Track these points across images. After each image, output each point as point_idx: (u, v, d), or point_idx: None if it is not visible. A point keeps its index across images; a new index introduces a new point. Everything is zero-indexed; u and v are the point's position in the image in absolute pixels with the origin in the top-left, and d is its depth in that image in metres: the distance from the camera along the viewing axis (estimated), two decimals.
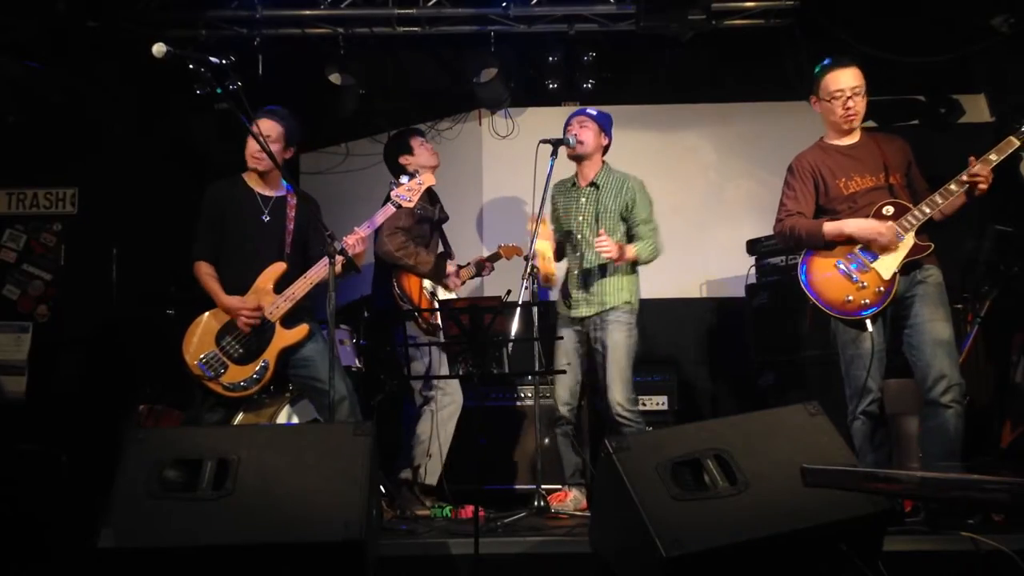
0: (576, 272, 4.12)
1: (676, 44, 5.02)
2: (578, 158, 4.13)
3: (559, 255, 4.27)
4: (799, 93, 4.92)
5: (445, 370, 4.10)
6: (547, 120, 5.47)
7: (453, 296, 4.36)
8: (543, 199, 3.92)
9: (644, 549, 2.29)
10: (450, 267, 4.33)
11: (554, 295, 4.42)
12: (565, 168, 4.14)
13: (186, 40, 4.89)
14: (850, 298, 3.29)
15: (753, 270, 5.02)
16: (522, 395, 4.76)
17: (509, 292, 3.99)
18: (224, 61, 3.09)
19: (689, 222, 5.42)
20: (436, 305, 4.13)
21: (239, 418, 3.73)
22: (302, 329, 3.54)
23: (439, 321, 4.03)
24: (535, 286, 3.90)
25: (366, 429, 2.58)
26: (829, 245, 3.37)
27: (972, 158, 3.20)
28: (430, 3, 4.95)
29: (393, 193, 3.68)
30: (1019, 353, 4.03)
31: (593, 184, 4.10)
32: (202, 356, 3.48)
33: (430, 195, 4.21)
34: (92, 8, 4.68)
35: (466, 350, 3.26)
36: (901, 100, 5.39)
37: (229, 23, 5.01)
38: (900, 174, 3.39)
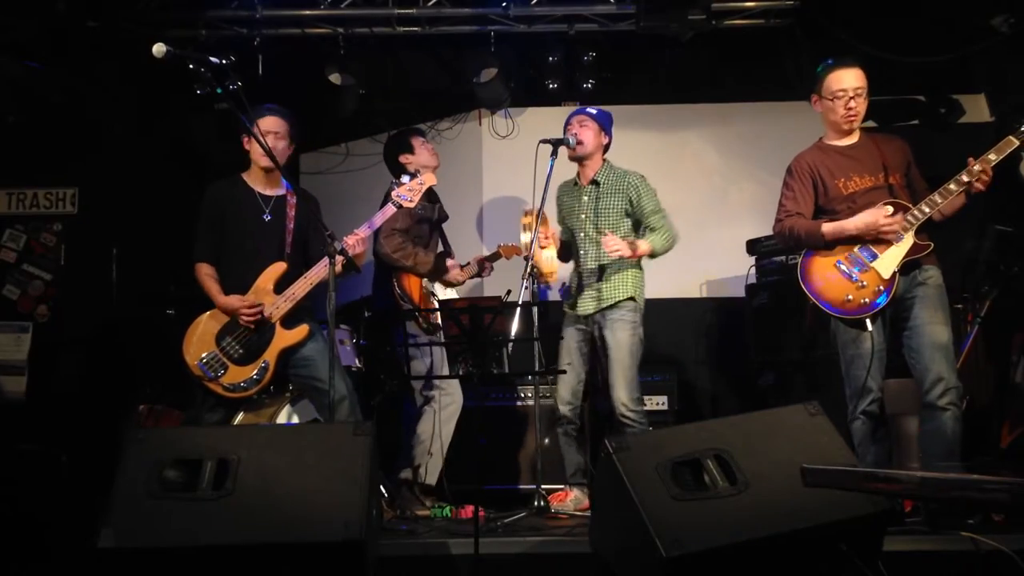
0: (580, 270, 4.12)
1: (676, 44, 5.02)
2: (578, 158, 4.14)
3: (566, 256, 4.27)
4: (799, 93, 4.94)
5: (446, 370, 4.11)
6: (547, 120, 5.47)
7: (453, 296, 4.36)
8: (543, 199, 3.92)
9: (644, 549, 2.29)
10: (451, 261, 4.33)
11: (553, 295, 4.42)
12: (565, 168, 4.13)
13: (186, 40, 4.89)
14: (850, 297, 3.29)
15: (753, 270, 5.02)
16: (522, 395, 4.76)
17: (509, 292, 3.99)
18: (224, 61, 3.09)
19: (689, 222, 5.38)
20: (436, 305, 4.13)
21: (239, 418, 3.73)
22: (302, 329, 3.54)
23: (439, 321, 4.03)
24: (535, 286, 3.90)
25: (366, 429, 2.58)
26: (829, 245, 3.37)
27: (971, 159, 3.20)
28: (430, 3, 4.95)
29: (394, 193, 3.67)
30: (1019, 353, 4.03)
31: (594, 182, 4.10)
32: (202, 357, 3.48)
33: (429, 195, 4.20)
34: (92, 8, 4.68)
35: (466, 350, 3.26)
36: (901, 100, 5.39)
37: (229, 23, 5.01)
38: (899, 174, 3.40)
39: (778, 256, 4.82)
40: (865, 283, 3.28)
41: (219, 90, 3.03)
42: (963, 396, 3.21)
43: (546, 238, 4.04)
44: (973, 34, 4.75)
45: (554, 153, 4.01)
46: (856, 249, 3.33)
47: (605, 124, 4.16)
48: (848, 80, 3.40)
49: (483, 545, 2.87)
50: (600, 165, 4.13)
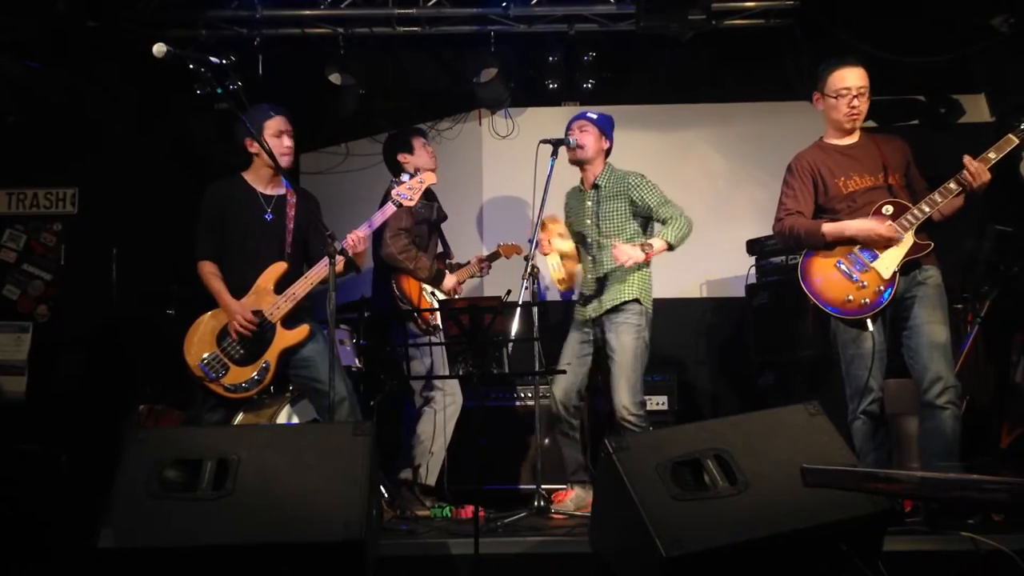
0: (589, 275, 4.12)
1: (676, 44, 5.02)
2: (579, 162, 4.13)
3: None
4: (799, 93, 4.95)
5: (446, 370, 4.11)
6: (547, 120, 5.48)
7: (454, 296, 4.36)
8: (543, 199, 3.92)
9: (644, 549, 2.29)
10: (448, 281, 4.31)
11: (552, 295, 4.41)
12: (565, 168, 4.13)
13: (186, 40, 4.89)
14: (850, 298, 3.29)
15: (753, 270, 5.02)
16: (522, 395, 4.76)
17: (509, 292, 4.00)
18: (224, 61, 3.10)
19: None
20: (436, 305, 4.13)
21: (239, 418, 3.73)
22: (303, 329, 3.53)
23: (439, 321, 4.03)
24: (535, 286, 3.90)
25: (366, 429, 2.58)
26: (829, 245, 3.37)
27: (968, 157, 3.20)
28: (430, 3, 4.95)
29: (393, 192, 3.66)
30: (1019, 353, 4.03)
31: (595, 186, 4.10)
32: (203, 357, 3.48)
33: (427, 194, 4.20)
34: (92, 8, 4.68)
35: (466, 350, 3.26)
36: (901, 100, 5.39)
37: (229, 23, 5.01)
38: (899, 174, 3.40)
39: (778, 256, 4.81)
40: (865, 283, 3.27)
41: (219, 90, 3.03)
42: (962, 395, 3.21)
43: (548, 243, 4.01)
44: (973, 34, 4.75)
45: (554, 153, 4.01)
46: (856, 249, 3.33)
47: (606, 128, 4.15)
48: (852, 79, 3.40)
49: (483, 545, 2.87)
50: (601, 169, 4.13)
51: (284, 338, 3.51)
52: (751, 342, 4.95)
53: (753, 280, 5.01)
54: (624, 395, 3.88)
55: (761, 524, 2.32)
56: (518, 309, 3.59)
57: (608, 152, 4.18)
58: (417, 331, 4.15)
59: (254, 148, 3.58)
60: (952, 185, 3.23)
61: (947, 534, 2.86)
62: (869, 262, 3.29)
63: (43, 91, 4.88)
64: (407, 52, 5.54)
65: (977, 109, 5.44)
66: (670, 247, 3.93)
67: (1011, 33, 4.57)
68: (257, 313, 3.47)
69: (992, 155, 3.20)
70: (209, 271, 3.56)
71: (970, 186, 3.19)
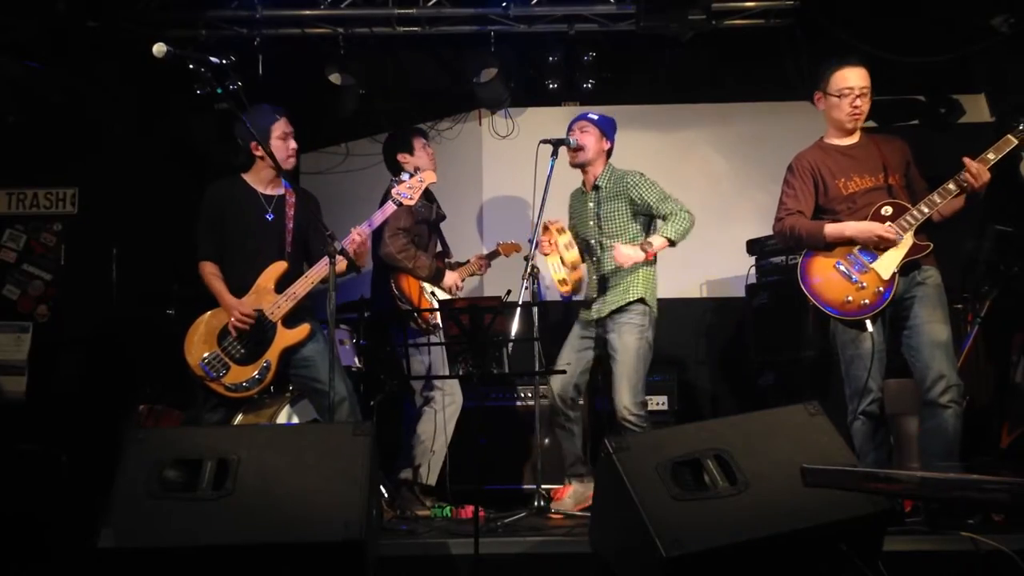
0: (593, 276, 4.12)
1: (676, 44, 5.02)
2: (580, 164, 4.13)
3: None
4: (799, 93, 4.95)
5: (446, 370, 4.11)
6: (547, 120, 5.48)
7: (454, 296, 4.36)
8: (543, 199, 3.92)
9: (644, 549, 2.29)
10: (449, 279, 4.31)
11: (552, 295, 4.41)
12: (565, 168, 4.13)
13: (186, 40, 4.89)
14: (849, 298, 3.29)
15: (753, 270, 5.02)
16: (522, 395, 4.76)
17: (509, 292, 3.99)
18: (224, 61, 3.10)
19: None
20: (436, 305, 4.13)
21: (239, 418, 3.73)
22: (303, 329, 3.54)
23: (439, 321, 4.03)
24: (535, 286, 3.89)
25: (366, 429, 2.58)
26: (828, 246, 3.37)
27: (968, 159, 3.20)
28: (430, 3, 4.95)
29: (393, 191, 3.66)
30: (1019, 353, 4.03)
31: (596, 187, 4.10)
32: (204, 357, 3.48)
33: (426, 194, 4.20)
34: (92, 8, 4.68)
35: (466, 350, 3.26)
36: (901, 100, 5.39)
37: (229, 23, 5.01)
38: (899, 174, 3.40)
39: (778, 256, 4.81)
40: (865, 284, 3.28)
41: (219, 90, 3.04)
42: (964, 394, 3.21)
43: (549, 244, 4.00)
44: (973, 34, 4.75)
45: (554, 153, 4.01)
46: (856, 250, 3.33)
47: (607, 129, 4.15)
48: (854, 78, 3.40)
49: (483, 545, 2.87)
50: (602, 170, 4.12)
51: (285, 337, 3.51)
52: (751, 342, 4.94)
53: (753, 280, 5.01)
54: (625, 395, 3.88)
55: (761, 524, 2.32)
56: (518, 309, 3.59)
57: (609, 153, 4.18)
58: (416, 328, 4.15)
59: (259, 152, 3.58)
60: (951, 186, 3.23)
61: (947, 534, 2.86)
62: (868, 263, 3.29)
63: (43, 91, 4.87)
64: (407, 52, 5.54)
65: (977, 109, 5.44)
66: (671, 243, 3.92)
67: (1011, 33, 4.57)
68: (257, 312, 3.48)
69: (991, 156, 3.21)
70: (210, 272, 3.56)
71: (971, 187, 3.19)
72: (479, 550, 2.83)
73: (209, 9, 4.93)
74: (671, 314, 5.28)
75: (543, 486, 4.00)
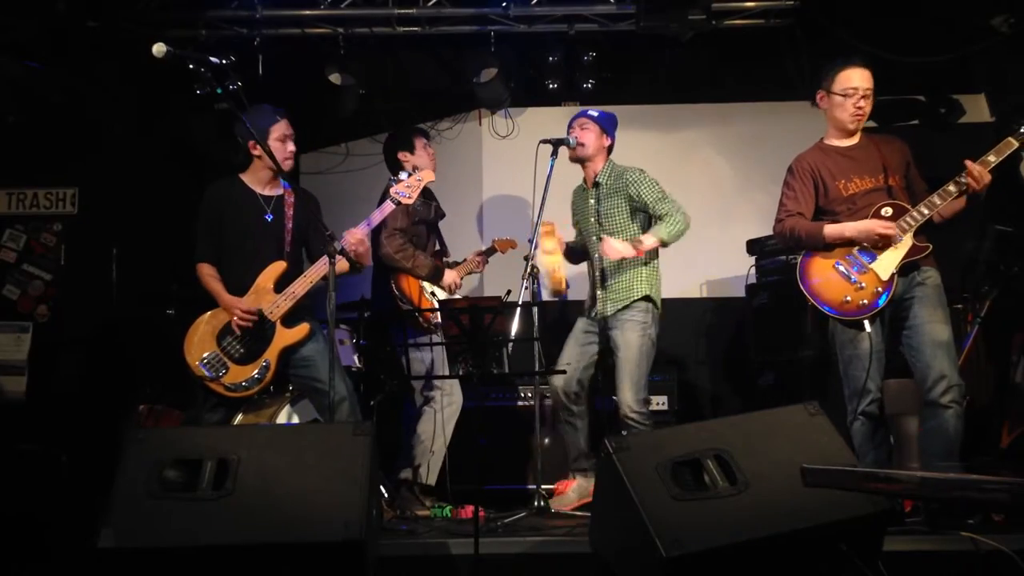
0: (595, 273, 4.12)
1: (676, 44, 5.02)
2: (580, 160, 4.13)
3: (577, 259, 4.27)
4: (799, 93, 4.95)
5: (446, 370, 4.11)
6: (547, 120, 5.48)
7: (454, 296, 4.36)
8: (543, 199, 3.92)
9: (644, 549, 2.29)
10: (448, 277, 4.31)
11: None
12: (565, 167, 4.13)
13: (186, 40, 4.89)
14: (848, 299, 3.29)
15: (753, 270, 5.02)
16: (522, 395, 4.76)
17: (509, 292, 3.99)
18: (224, 61, 3.10)
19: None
20: (436, 305, 4.13)
21: (239, 418, 3.73)
22: (303, 328, 3.53)
23: (439, 320, 4.03)
24: (535, 286, 3.89)
25: (366, 429, 2.58)
26: (828, 246, 3.37)
27: (969, 162, 3.20)
28: (430, 3, 4.95)
29: (392, 190, 3.66)
30: (1019, 353, 4.03)
31: (596, 184, 4.10)
32: (203, 356, 3.48)
33: (425, 193, 4.20)
34: (92, 8, 4.68)
35: (466, 350, 3.26)
36: (901, 100, 5.39)
37: (229, 23, 5.01)
38: (899, 175, 3.40)
39: (778, 256, 4.81)
40: (864, 285, 3.28)
41: (219, 90, 3.03)
42: (965, 394, 3.21)
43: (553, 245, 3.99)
44: (973, 34, 4.75)
45: (554, 153, 4.01)
46: (855, 251, 3.33)
47: (607, 126, 4.15)
48: (858, 79, 3.40)
49: (483, 545, 2.86)
50: (602, 166, 4.13)
51: (284, 336, 3.51)
52: (751, 342, 4.95)
53: (753, 280, 5.01)
54: (627, 393, 3.88)
55: (761, 524, 2.32)
56: (518, 309, 3.59)
57: (610, 150, 4.18)
58: (419, 328, 4.15)
59: (257, 151, 3.58)
60: (951, 188, 3.23)
61: (947, 534, 2.86)
62: (867, 263, 3.30)
63: (43, 91, 4.87)
64: (407, 52, 5.54)
65: (977, 109, 5.44)
66: (663, 244, 3.93)
67: (1011, 33, 4.57)
68: (257, 312, 3.48)
69: (992, 158, 3.21)
70: (208, 273, 3.56)
71: (973, 189, 3.19)
72: (479, 550, 2.83)
73: (209, 9, 4.93)
74: (671, 314, 5.27)
75: (543, 486, 4.00)
